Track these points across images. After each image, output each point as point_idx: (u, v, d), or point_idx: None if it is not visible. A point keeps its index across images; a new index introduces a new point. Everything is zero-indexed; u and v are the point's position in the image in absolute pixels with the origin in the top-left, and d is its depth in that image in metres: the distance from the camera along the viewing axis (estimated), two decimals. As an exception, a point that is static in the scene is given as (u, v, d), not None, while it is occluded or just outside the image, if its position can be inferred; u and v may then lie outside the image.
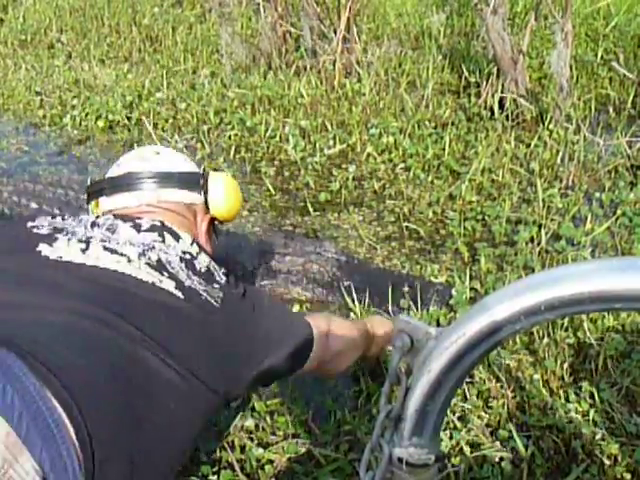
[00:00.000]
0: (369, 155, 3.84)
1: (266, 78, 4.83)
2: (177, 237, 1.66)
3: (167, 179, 1.79)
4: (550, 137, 3.90)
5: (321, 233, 3.16)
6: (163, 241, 1.61)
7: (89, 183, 1.96)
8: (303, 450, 1.93)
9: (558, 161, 3.70)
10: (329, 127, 4.13)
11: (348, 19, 4.71)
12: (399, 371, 0.81)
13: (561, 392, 2.06)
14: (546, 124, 4.01)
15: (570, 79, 4.16)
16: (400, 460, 0.81)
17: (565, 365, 2.15)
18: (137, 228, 1.65)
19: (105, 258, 1.51)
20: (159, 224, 1.68)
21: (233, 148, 3.98)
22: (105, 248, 1.54)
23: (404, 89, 4.56)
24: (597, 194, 3.39)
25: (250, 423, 1.99)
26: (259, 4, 5.08)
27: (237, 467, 1.86)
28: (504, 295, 0.73)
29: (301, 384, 2.19)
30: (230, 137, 4.14)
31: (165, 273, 1.51)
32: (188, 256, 1.61)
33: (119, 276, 1.46)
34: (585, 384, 2.07)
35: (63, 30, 6.43)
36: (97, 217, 1.71)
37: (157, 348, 1.31)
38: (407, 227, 3.17)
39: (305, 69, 4.86)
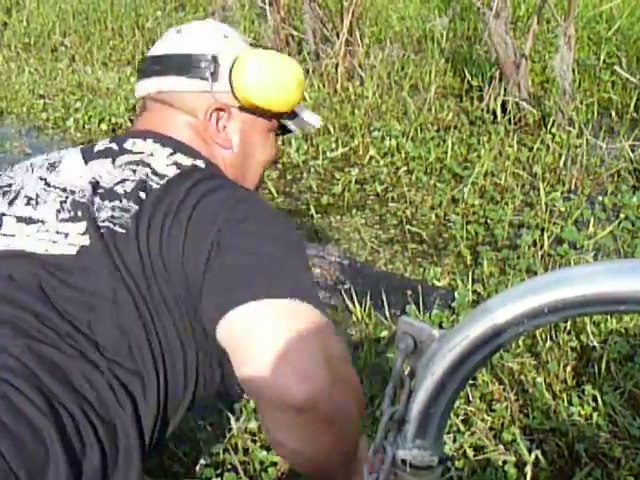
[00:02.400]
0: (372, 158, 3.84)
1: (269, 81, 4.83)
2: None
3: (163, 64, 1.44)
4: (553, 141, 3.91)
5: (323, 236, 3.17)
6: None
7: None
8: (306, 453, 1.92)
9: (561, 165, 3.70)
10: (332, 130, 4.14)
11: (351, 22, 4.72)
12: (402, 373, 0.82)
13: (564, 395, 2.06)
14: (549, 128, 4.01)
15: (573, 83, 4.16)
16: (404, 462, 0.81)
17: (568, 368, 2.15)
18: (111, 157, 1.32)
19: (12, 238, 1.20)
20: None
21: (236, 151, 3.98)
22: (19, 219, 1.23)
23: (407, 92, 4.57)
24: (600, 198, 3.39)
25: (254, 425, 1.99)
26: (262, 8, 5.08)
27: (240, 469, 1.86)
28: (507, 297, 0.73)
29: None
30: (233, 140, 4.14)
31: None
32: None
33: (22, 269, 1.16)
34: (588, 387, 2.07)
35: (66, 33, 6.44)
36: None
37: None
38: (409, 230, 3.17)
39: (308, 72, 4.87)
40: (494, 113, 4.24)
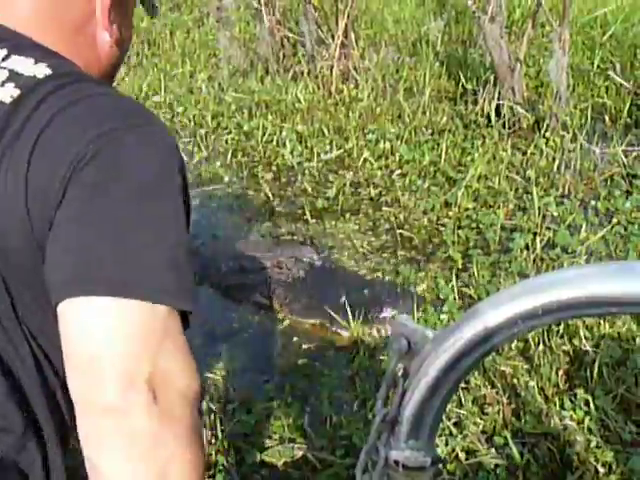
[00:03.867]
0: (366, 161, 3.84)
1: (263, 83, 4.84)
2: None
3: None
4: (546, 145, 3.92)
5: (317, 241, 3.16)
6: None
7: None
8: (299, 454, 1.92)
9: (554, 169, 3.71)
10: (326, 132, 4.13)
11: (346, 25, 4.72)
12: (395, 374, 0.81)
13: (556, 399, 2.07)
14: (542, 132, 4.02)
15: (567, 87, 4.17)
16: (396, 463, 0.81)
17: (560, 372, 2.16)
18: None
19: None
20: None
21: (230, 152, 3.98)
22: None
23: (401, 95, 4.57)
24: (593, 202, 3.40)
25: (246, 427, 1.99)
26: (257, 9, 5.08)
27: (233, 471, 1.85)
28: (501, 299, 0.73)
29: (297, 387, 2.19)
30: (227, 141, 4.14)
31: None
32: None
33: None
34: (580, 391, 2.07)
35: (61, 33, 6.42)
36: None
37: None
38: (401, 235, 3.17)
39: (302, 74, 4.87)
40: (488, 117, 4.25)
